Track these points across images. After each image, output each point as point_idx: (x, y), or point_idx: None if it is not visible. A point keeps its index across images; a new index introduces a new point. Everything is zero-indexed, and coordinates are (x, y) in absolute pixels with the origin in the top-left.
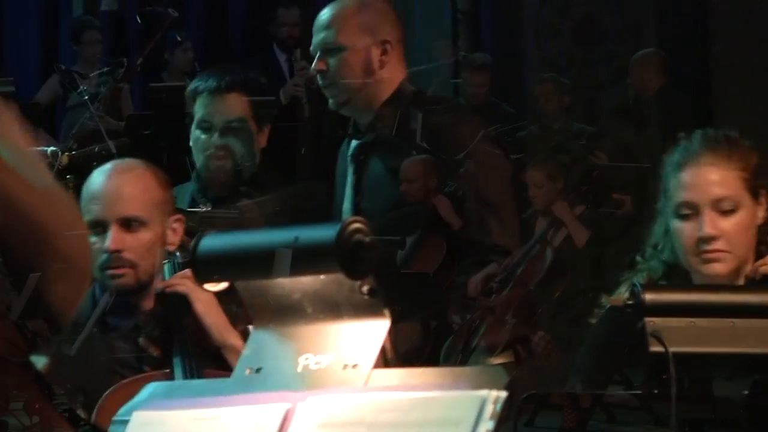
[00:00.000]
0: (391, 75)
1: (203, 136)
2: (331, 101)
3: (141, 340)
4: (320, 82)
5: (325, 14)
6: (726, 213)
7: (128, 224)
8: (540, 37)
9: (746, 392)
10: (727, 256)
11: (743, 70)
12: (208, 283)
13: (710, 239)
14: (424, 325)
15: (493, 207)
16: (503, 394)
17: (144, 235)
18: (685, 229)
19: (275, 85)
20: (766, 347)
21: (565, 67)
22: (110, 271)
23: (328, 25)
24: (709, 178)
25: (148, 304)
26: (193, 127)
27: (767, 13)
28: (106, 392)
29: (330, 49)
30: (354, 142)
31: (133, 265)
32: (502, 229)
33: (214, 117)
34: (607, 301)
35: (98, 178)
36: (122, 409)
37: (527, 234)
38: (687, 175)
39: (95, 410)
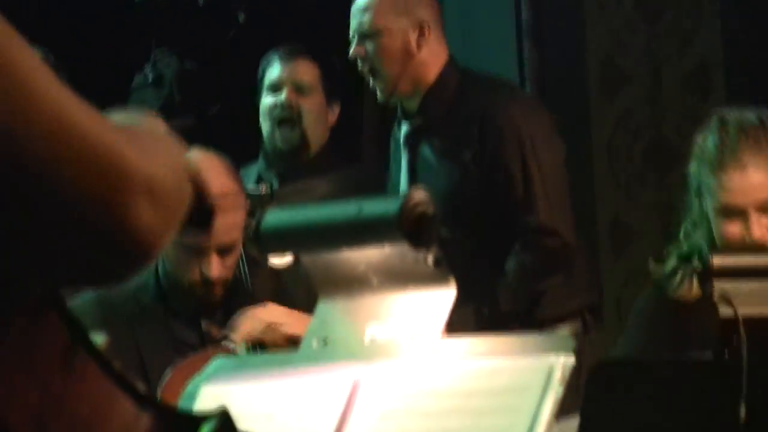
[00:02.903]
0: (432, 57)
1: (271, 99)
2: (378, 94)
3: (203, 324)
4: (360, 67)
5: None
6: None
7: (227, 250)
8: (603, 9)
9: None
10: None
11: None
12: (272, 256)
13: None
14: (477, 312)
15: (544, 189)
16: (571, 360)
17: (237, 252)
18: (730, 230)
19: None
20: None
21: (628, 38)
22: (205, 290)
23: (364, 10)
24: (753, 182)
25: None
26: (263, 95)
27: None
28: (172, 368)
29: (367, 34)
30: (404, 127)
31: (226, 282)
32: (551, 210)
33: (283, 77)
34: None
35: None
36: (190, 385)
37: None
38: (730, 179)
39: (160, 386)
